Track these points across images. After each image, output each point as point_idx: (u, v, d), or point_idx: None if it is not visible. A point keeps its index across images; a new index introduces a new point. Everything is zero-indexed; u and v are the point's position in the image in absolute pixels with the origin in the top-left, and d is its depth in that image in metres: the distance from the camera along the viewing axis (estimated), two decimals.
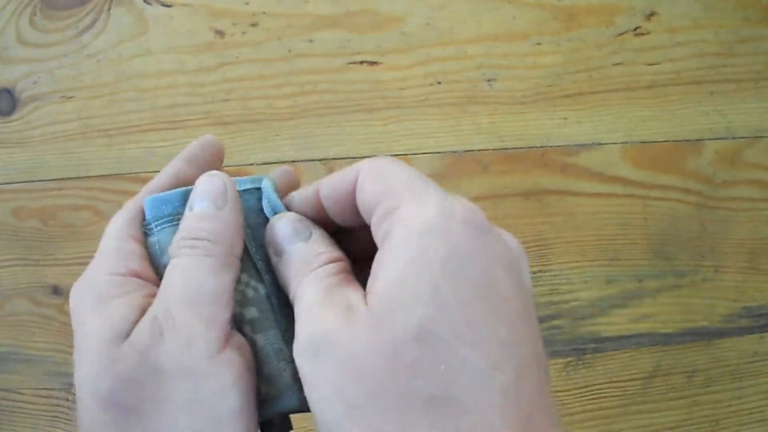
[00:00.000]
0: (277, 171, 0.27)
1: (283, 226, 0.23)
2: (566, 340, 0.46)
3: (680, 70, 0.50)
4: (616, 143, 0.48)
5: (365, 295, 0.20)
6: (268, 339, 0.23)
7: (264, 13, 0.47)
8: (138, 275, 0.22)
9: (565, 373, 0.45)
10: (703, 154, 0.49)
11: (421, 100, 0.47)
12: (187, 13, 0.47)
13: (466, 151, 0.47)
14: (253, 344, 0.22)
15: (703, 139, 0.49)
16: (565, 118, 0.48)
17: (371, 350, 0.18)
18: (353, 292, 0.20)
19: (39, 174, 0.44)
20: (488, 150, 0.47)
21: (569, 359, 0.45)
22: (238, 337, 0.22)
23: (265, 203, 0.25)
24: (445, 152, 0.47)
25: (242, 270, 0.23)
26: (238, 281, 0.23)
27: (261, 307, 0.23)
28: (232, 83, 0.46)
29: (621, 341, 0.48)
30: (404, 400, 0.18)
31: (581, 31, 0.49)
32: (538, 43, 0.49)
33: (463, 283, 0.19)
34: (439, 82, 0.48)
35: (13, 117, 0.45)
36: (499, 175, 0.47)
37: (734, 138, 0.49)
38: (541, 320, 0.45)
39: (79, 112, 0.45)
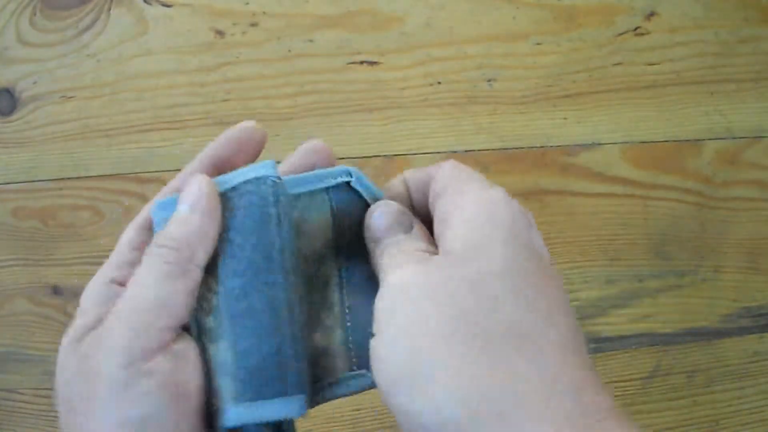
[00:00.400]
0: (308, 146, 0.27)
1: (384, 216, 0.25)
2: None
3: (680, 70, 0.50)
4: (616, 143, 0.48)
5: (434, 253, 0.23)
6: (216, 350, 0.22)
7: (264, 13, 0.47)
8: (122, 283, 0.23)
9: None
10: (703, 154, 0.49)
11: (421, 100, 0.47)
12: (187, 13, 0.47)
13: (466, 151, 0.47)
14: (204, 354, 0.22)
15: (703, 139, 0.49)
16: (565, 118, 0.48)
17: (454, 283, 0.21)
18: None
19: (39, 174, 0.45)
20: (488, 150, 0.47)
21: None
22: (182, 345, 0.21)
23: (361, 190, 0.25)
24: (445, 152, 0.47)
25: (214, 276, 0.22)
26: (208, 288, 0.22)
27: (217, 317, 0.22)
28: (232, 83, 0.46)
29: (621, 341, 0.48)
30: (486, 329, 0.20)
31: (581, 31, 0.49)
32: (538, 43, 0.49)
33: (522, 247, 0.22)
34: (439, 82, 0.48)
35: (13, 117, 0.45)
36: (499, 175, 0.47)
37: (734, 138, 0.49)
38: None
39: (79, 112, 0.45)
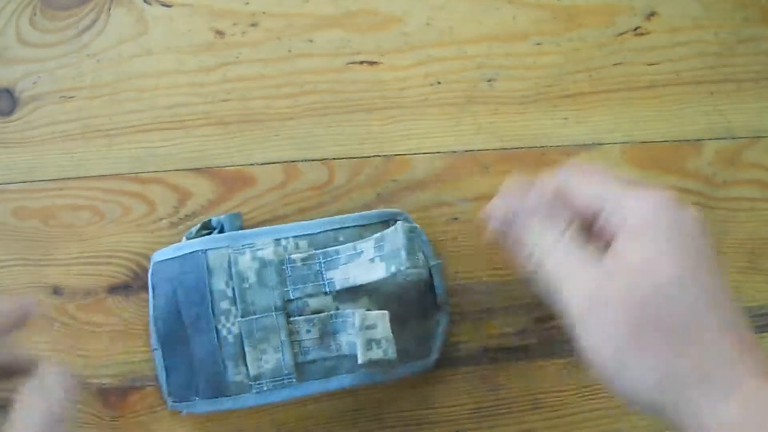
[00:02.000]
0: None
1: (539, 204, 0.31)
2: (566, 340, 0.46)
3: (680, 70, 0.50)
4: (616, 143, 0.48)
5: (607, 255, 0.28)
6: None
7: (264, 13, 0.47)
8: None
9: (565, 373, 0.45)
10: (703, 154, 0.49)
11: (421, 100, 0.47)
12: (187, 13, 0.47)
13: (466, 151, 0.47)
14: None
15: (703, 139, 0.49)
16: (565, 118, 0.48)
17: (639, 291, 0.26)
18: (593, 251, 0.29)
19: (39, 174, 0.45)
20: (488, 150, 0.47)
21: (569, 359, 0.45)
22: None
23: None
24: (445, 152, 0.47)
25: None
26: None
27: None
28: (232, 83, 0.46)
29: None
30: (669, 328, 0.26)
31: (581, 31, 0.49)
32: (538, 43, 0.49)
33: (696, 252, 0.27)
34: (439, 82, 0.48)
35: (13, 117, 0.45)
36: (499, 175, 0.47)
37: (734, 138, 0.49)
38: (541, 320, 0.45)
39: (79, 112, 0.45)
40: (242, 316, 0.38)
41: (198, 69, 0.46)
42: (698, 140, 0.49)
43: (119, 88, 0.46)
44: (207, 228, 0.42)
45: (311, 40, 0.47)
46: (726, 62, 0.50)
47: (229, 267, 0.39)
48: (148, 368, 0.43)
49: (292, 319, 0.38)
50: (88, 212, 0.45)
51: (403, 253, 0.37)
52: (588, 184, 0.30)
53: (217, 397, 0.39)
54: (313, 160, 0.46)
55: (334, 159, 0.46)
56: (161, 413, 0.43)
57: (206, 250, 0.39)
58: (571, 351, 0.45)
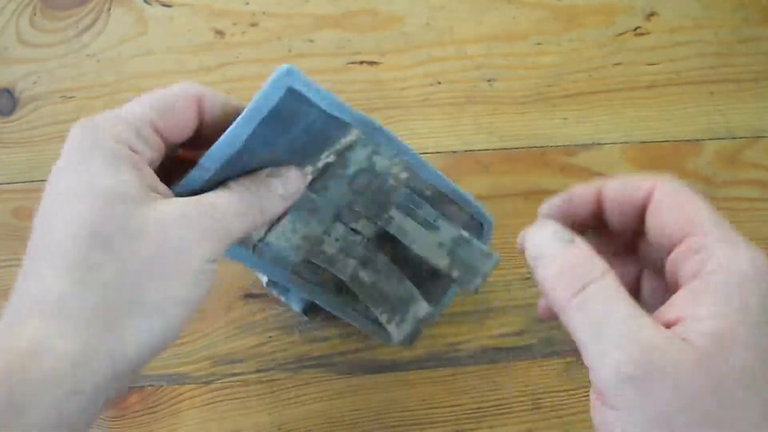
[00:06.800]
0: None
1: (541, 229, 0.24)
2: (566, 340, 0.46)
3: (680, 70, 0.50)
4: (616, 143, 0.48)
5: (677, 325, 0.21)
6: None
7: (264, 13, 0.47)
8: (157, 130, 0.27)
9: (565, 373, 0.45)
10: (703, 154, 0.49)
11: (421, 100, 0.47)
12: (187, 13, 0.47)
13: (466, 151, 0.47)
14: None
15: (703, 139, 0.49)
16: (565, 118, 0.48)
17: (702, 384, 0.20)
18: (655, 317, 0.21)
19: (39, 174, 0.45)
20: (488, 150, 0.47)
21: (569, 359, 0.45)
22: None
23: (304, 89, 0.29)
24: (445, 152, 0.47)
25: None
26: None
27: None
28: (232, 83, 0.46)
29: None
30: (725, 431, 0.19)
31: (581, 31, 0.49)
32: (538, 43, 0.49)
33: None
34: (439, 82, 0.48)
35: (13, 117, 0.45)
36: (499, 175, 0.47)
37: (734, 138, 0.49)
38: (542, 320, 0.45)
39: (79, 112, 0.45)
40: (311, 190, 0.33)
41: (198, 69, 0.46)
42: (698, 140, 0.49)
43: (119, 88, 0.46)
44: None
45: (311, 40, 0.47)
46: (726, 62, 0.50)
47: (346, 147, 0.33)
48: (149, 368, 0.43)
49: (336, 223, 0.35)
50: None
51: (478, 282, 0.36)
52: (677, 209, 0.24)
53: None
54: None
55: None
56: (161, 413, 0.43)
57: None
58: (571, 351, 0.45)
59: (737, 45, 0.50)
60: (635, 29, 0.49)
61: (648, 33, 0.50)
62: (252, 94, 0.47)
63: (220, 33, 0.47)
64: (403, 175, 0.35)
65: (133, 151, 0.25)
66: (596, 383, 0.21)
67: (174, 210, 0.24)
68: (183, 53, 0.46)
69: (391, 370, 0.44)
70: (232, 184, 0.27)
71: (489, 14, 0.48)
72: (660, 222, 0.24)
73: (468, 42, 0.48)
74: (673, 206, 0.24)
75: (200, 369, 0.43)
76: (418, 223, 0.36)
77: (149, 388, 0.43)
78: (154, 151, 0.26)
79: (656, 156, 0.48)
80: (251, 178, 0.28)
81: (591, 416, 0.22)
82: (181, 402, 0.43)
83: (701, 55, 0.50)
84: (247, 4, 0.47)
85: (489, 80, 0.48)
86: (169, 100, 0.27)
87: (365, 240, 0.36)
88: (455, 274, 0.36)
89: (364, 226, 0.36)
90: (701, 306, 0.21)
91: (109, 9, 0.46)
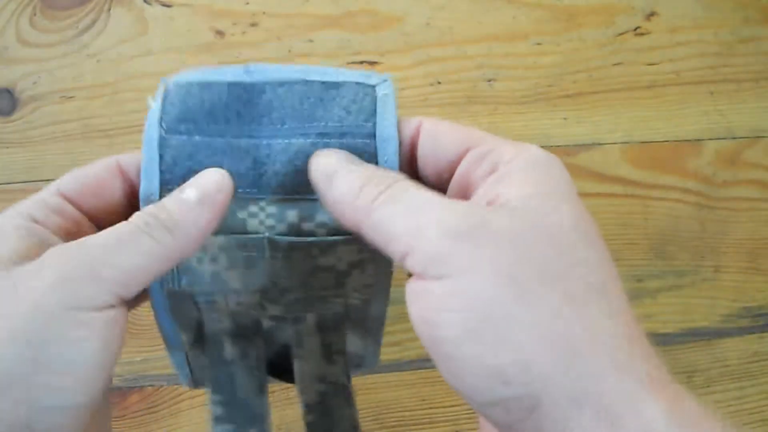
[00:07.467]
0: None
1: (333, 153, 0.23)
2: None
3: (680, 70, 0.50)
4: (616, 143, 0.48)
5: (476, 195, 0.22)
6: None
7: (264, 13, 0.47)
8: (43, 225, 0.24)
9: None
10: (703, 154, 0.49)
11: (421, 100, 0.47)
12: (187, 13, 0.47)
13: None
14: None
15: (703, 139, 0.49)
16: (565, 118, 0.48)
17: (535, 238, 0.20)
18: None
19: (39, 174, 0.45)
20: None
21: None
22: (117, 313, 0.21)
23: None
24: None
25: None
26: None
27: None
28: None
29: None
30: (569, 284, 0.19)
31: (581, 31, 0.49)
32: (538, 43, 0.49)
33: (579, 203, 0.22)
34: (439, 82, 0.48)
35: (13, 117, 0.45)
36: None
37: (734, 138, 0.49)
38: None
39: (79, 112, 0.45)
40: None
41: None
42: (698, 140, 0.49)
43: (119, 88, 0.46)
44: None
45: (311, 40, 0.47)
46: (726, 62, 0.50)
47: None
48: (149, 368, 0.43)
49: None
50: None
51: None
52: (451, 131, 0.24)
53: None
54: None
55: None
56: (161, 413, 0.43)
57: None
58: None
59: (737, 45, 0.50)
60: (635, 29, 0.49)
61: (648, 33, 0.50)
62: None
63: (220, 33, 0.47)
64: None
65: (33, 220, 0.23)
66: (416, 263, 0.20)
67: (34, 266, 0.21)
68: (183, 53, 0.46)
69: (390, 370, 0.44)
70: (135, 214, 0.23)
71: (489, 14, 0.48)
72: (436, 147, 0.24)
73: (468, 42, 0.48)
74: (446, 131, 0.24)
75: None
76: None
77: (149, 388, 0.43)
78: (66, 219, 0.24)
79: (656, 156, 0.48)
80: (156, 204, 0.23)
81: (410, 316, 0.21)
82: (181, 402, 0.43)
83: (701, 55, 0.50)
84: (247, 4, 0.47)
85: (489, 80, 0.48)
86: (83, 170, 0.25)
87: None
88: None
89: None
90: (511, 186, 0.21)
91: (109, 9, 0.46)
